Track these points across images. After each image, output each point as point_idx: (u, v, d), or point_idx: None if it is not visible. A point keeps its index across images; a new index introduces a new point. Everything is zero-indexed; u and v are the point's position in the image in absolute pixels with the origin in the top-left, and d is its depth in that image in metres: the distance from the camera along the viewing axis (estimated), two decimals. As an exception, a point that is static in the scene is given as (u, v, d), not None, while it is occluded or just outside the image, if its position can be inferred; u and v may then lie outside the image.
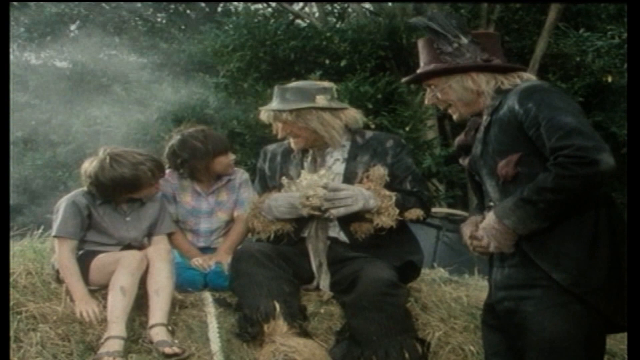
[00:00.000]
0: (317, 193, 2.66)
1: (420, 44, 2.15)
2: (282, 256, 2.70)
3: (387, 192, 2.70)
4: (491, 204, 2.08)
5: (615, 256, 1.94)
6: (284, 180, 2.80)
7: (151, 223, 2.78)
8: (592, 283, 1.91)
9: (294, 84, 2.96)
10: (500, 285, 2.04)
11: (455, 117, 2.16)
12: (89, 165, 2.69)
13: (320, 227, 2.76)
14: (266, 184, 2.92)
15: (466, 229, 2.15)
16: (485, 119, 2.06)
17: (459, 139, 2.17)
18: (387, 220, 2.68)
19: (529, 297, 1.95)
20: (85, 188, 2.72)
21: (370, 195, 2.68)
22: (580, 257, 1.92)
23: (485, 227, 2.02)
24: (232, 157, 3.03)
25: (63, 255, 2.61)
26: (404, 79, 2.25)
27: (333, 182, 2.72)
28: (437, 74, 2.10)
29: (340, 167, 2.80)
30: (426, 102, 2.19)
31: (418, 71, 2.16)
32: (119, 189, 2.67)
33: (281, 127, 2.81)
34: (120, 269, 2.52)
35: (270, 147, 3.00)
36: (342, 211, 2.67)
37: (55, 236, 2.67)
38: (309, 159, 2.84)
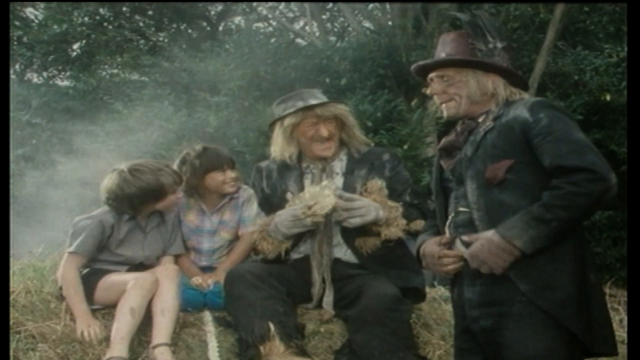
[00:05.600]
0: (319, 202, 2.61)
1: (451, 36, 2.16)
2: (274, 275, 2.66)
3: (394, 203, 2.70)
4: (461, 209, 2.07)
5: (584, 278, 1.93)
6: (289, 195, 2.77)
7: (166, 242, 2.77)
8: (557, 296, 1.89)
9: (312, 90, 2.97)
10: (475, 303, 2.01)
11: (450, 112, 2.14)
12: (109, 182, 2.68)
13: (326, 242, 2.72)
14: (267, 201, 2.88)
15: (432, 249, 2.11)
16: (487, 124, 2.06)
17: (448, 139, 2.17)
18: (395, 231, 2.66)
19: (509, 313, 1.92)
20: (106, 206, 2.71)
21: (378, 206, 2.67)
22: (546, 270, 1.91)
23: (483, 248, 1.96)
24: (230, 174, 2.96)
25: (69, 271, 2.60)
26: (416, 64, 2.20)
27: (345, 193, 2.68)
28: (468, 64, 2.09)
29: (339, 181, 2.79)
30: (428, 91, 2.18)
31: (442, 56, 2.13)
32: (145, 199, 2.67)
33: (328, 124, 2.76)
34: (133, 290, 2.51)
35: (264, 164, 2.96)
36: (358, 221, 2.64)
37: (71, 252, 2.64)
38: (310, 173, 2.82)
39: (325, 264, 2.71)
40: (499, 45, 2.10)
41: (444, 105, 2.14)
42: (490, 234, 1.96)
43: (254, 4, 11.38)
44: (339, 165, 2.83)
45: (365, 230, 2.69)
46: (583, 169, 1.86)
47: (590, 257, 2.00)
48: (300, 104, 2.77)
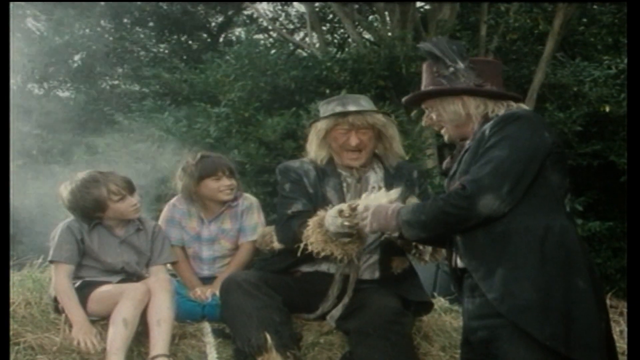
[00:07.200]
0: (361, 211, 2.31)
1: (424, 67, 2.22)
2: (269, 284, 2.64)
3: None
4: None
5: (550, 282, 1.91)
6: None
7: (147, 250, 2.77)
8: (517, 302, 1.89)
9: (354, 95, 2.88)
10: (473, 315, 2.02)
11: (445, 138, 2.21)
12: (62, 194, 2.74)
13: (357, 258, 2.62)
14: (310, 201, 2.68)
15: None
16: (468, 143, 2.10)
17: (446, 162, 2.22)
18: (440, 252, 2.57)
19: (503, 325, 1.93)
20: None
21: None
22: (507, 278, 1.92)
23: (378, 209, 2.12)
24: (225, 182, 2.93)
25: (60, 281, 2.62)
26: (403, 99, 2.29)
27: None
28: (432, 95, 2.16)
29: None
30: (423, 123, 2.25)
31: (415, 92, 2.23)
32: (86, 211, 2.68)
33: (361, 133, 2.66)
34: (124, 301, 2.51)
35: (295, 164, 2.79)
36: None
37: (50, 261, 2.67)
38: (344, 182, 2.72)
39: (351, 281, 2.64)
40: (461, 65, 2.12)
41: (441, 132, 2.21)
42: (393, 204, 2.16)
43: (255, 14, 11.46)
44: (374, 177, 2.75)
45: (399, 250, 2.63)
46: (463, 182, 1.93)
47: (583, 265, 1.97)
48: (338, 109, 2.69)
